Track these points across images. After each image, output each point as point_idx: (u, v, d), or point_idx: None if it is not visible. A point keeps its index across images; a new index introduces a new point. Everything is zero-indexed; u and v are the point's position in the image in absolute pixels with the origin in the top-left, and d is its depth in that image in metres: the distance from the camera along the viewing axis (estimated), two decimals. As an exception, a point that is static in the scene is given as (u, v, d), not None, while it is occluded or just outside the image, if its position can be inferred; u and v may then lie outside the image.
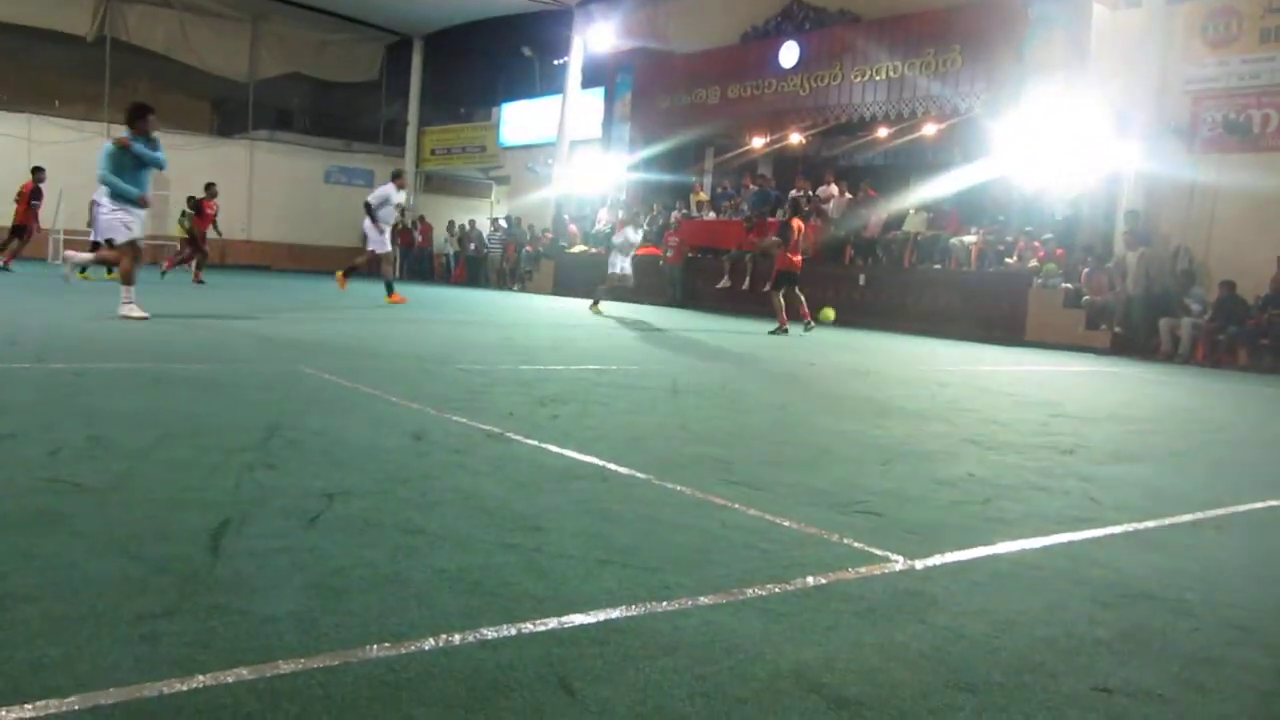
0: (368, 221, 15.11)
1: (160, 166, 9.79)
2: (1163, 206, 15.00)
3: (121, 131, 9.59)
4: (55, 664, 1.87)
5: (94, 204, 10.34)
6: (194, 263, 18.97)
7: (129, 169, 9.47)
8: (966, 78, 17.15)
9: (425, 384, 6.33)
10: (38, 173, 18.98)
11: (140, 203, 9.62)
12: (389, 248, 15.69)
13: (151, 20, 29.41)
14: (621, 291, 17.92)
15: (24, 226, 18.45)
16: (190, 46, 30.00)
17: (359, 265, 16.44)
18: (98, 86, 28.75)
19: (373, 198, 15.19)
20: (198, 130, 31.15)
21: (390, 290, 15.16)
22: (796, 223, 14.45)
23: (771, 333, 13.58)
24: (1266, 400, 9.49)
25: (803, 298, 14.36)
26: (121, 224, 9.55)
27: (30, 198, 18.66)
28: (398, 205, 15.50)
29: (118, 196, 9.50)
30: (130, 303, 9.41)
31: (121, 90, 29.66)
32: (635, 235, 17.53)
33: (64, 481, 3.23)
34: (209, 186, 19.46)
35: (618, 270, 17.12)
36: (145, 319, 9.18)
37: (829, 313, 15.66)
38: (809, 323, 14.33)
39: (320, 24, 31.90)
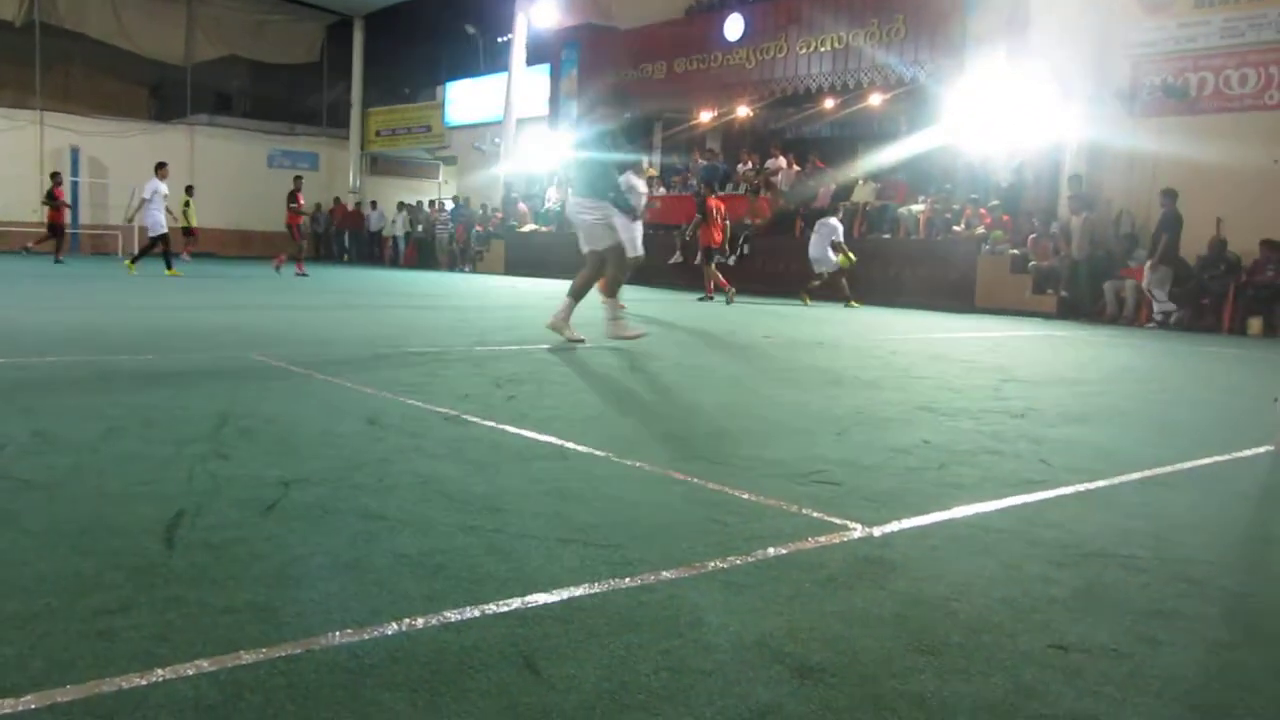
0: (622, 219, 12.32)
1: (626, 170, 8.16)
2: (1105, 171, 15.23)
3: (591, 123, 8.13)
4: (9, 663, 1.84)
5: (581, 208, 8.18)
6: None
7: None
8: (910, 47, 17.26)
9: (379, 368, 6.27)
10: (55, 176, 22.19)
11: (639, 216, 8.12)
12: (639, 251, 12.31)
13: (82, 3, 28.63)
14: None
15: (56, 224, 21.35)
16: (124, 29, 29.27)
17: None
18: (28, 73, 27.97)
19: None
20: (135, 116, 30.47)
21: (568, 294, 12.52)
22: (712, 201, 15.70)
23: (700, 299, 15.26)
24: (1207, 358, 9.71)
25: (717, 272, 15.85)
26: (632, 235, 7.99)
27: (53, 198, 21.50)
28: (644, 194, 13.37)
29: (596, 195, 7.92)
30: (563, 317, 8.00)
31: (53, 76, 28.92)
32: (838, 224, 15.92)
33: (10, 478, 3.15)
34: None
35: (827, 267, 15.59)
36: (580, 341, 7.89)
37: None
38: (727, 293, 15.41)
39: (257, 4, 31.28)
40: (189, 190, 23.91)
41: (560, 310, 8.00)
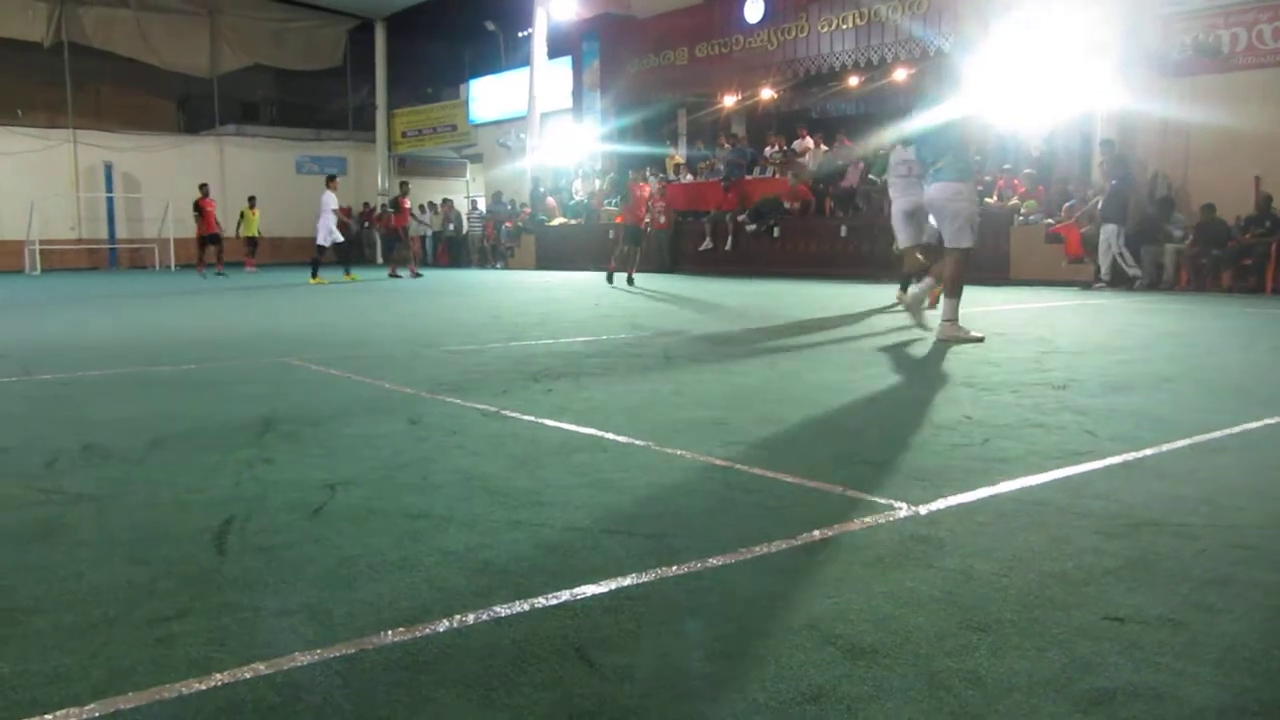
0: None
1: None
2: (1137, 134, 14.99)
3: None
4: (70, 673, 1.87)
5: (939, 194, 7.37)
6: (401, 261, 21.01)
7: None
8: (934, 17, 17.07)
9: (416, 368, 6.31)
10: (204, 188, 22.58)
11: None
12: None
13: (108, 22, 29.01)
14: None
15: (214, 235, 22.00)
16: (149, 45, 29.62)
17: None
18: (59, 92, 28.39)
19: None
20: (164, 129, 30.85)
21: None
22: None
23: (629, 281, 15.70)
24: (1251, 320, 9.54)
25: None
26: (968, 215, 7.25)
27: (202, 209, 21.97)
28: None
29: (962, 172, 7.21)
30: (951, 320, 7.34)
31: (83, 95, 29.34)
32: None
33: (63, 492, 3.21)
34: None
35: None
36: (979, 339, 7.23)
37: None
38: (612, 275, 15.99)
39: (278, 12, 31.51)
40: (251, 201, 23.91)
41: (946, 314, 7.45)
